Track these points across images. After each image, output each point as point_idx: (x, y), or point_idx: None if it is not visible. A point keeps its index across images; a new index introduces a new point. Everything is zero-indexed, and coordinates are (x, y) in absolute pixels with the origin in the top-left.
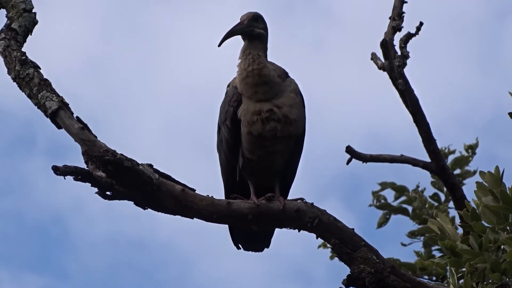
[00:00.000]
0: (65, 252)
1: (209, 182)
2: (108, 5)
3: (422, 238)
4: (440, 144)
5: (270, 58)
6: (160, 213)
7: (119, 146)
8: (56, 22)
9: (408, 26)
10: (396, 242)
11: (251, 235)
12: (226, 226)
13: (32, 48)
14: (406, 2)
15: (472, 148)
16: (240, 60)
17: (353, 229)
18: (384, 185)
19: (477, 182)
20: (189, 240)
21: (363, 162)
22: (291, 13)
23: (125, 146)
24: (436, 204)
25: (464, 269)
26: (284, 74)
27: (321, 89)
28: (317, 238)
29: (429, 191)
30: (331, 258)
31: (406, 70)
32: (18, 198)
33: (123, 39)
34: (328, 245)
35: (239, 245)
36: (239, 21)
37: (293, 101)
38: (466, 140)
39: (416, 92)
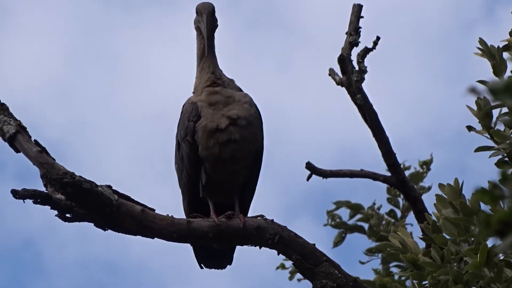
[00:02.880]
0: (37, 276)
1: (173, 202)
2: (73, 29)
3: (380, 255)
4: (406, 158)
5: (235, 74)
6: (122, 234)
7: (86, 169)
8: (20, 46)
9: (369, 40)
10: (354, 261)
11: (213, 252)
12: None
13: None
14: (362, 17)
15: (427, 164)
16: (199, 71)
17: (314, 244)
18: (339, 204)
19: (436, 195)
20: (161, 261)
21: (323, 178)
22: (257, 31)
23: (93, 169)
24: (393, 220)
25: (426, 282)
26: (236, 87)
27: (290, 106)
28: (278, 254)
29: (385, 207)
30: (290, 278)
31: (371, 85)
32: None
33: (89, 63)
34: (290, 261)
35: (202, 264)
36: (202, 17)
37: (247, 113)
38: (434, 153)
39: (378, 107)
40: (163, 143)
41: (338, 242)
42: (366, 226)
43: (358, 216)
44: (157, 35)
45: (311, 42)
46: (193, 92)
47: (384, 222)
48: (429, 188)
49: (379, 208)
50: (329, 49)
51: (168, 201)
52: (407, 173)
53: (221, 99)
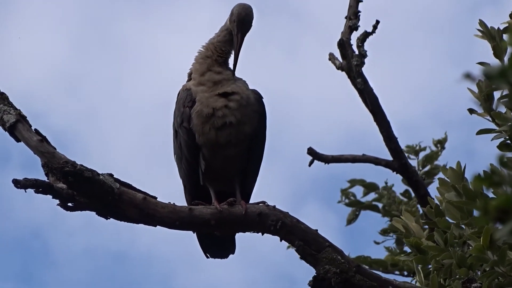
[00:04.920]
0: (46, 266)
1: (180, 191)
2: (79, 17)
3: (394, 235)
4: (413, 141)
5: (240, 61)
6: (125, 222)
7: (93, 157)
8: (26, 35)
9: (372, 24)
10: (367, 240)
11: (214, 241)
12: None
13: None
14: (361, 1)
15: (441, 143)
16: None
17: (317, 230)
18: (353, 182)
19: (439, 179)
20: (170, 249)
21: (325, 164)
22: (263, 16)
23: (100, 157)
24: (406, 200)
25: (430, 266)
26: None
27: (296, 91)
28: (280, 240)
29: (400, 187)
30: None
31: (375, 69)
32: None
33: (96, 51)
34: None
35: (207, 254)
36: (238, 35)
37: (243, 92)
38: (442, 136)
39: (383, 91)
40: (169, 132)
41: (351, 220)
42: (380, 205)
43: (372, 195)
44: (164, 22)
45: (318, 27)
46: (189, 78)
47: (396, 202)
48: (444, 166)
49: (391, 187)
50: (333, 34)
51: (175, 189)
52: (423, 154)
53: (222, 79)
